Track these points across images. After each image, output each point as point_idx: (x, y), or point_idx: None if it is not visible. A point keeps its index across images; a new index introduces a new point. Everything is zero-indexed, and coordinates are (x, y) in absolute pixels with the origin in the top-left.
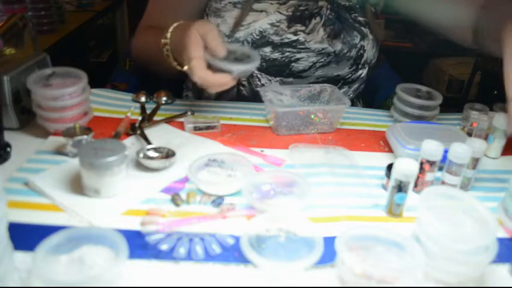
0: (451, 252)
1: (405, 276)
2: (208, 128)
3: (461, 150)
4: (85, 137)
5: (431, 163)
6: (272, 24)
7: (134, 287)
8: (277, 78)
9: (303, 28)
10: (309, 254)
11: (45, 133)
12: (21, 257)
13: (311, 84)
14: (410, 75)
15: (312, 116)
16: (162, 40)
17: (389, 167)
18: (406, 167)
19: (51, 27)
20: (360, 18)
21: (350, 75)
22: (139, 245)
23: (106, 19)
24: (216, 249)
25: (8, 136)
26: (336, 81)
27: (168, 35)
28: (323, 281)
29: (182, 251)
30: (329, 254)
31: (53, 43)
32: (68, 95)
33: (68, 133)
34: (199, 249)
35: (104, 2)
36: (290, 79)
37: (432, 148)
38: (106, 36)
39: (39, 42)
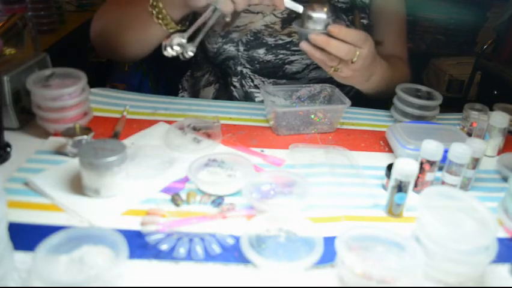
0: (451, 252)
1: (405, 276)
2: (208, 128)
3: (461, 150)
4: (85, 137)
5: (431, 163)
6: (267, 26)
7: (134, 287)
8: (271, 80)
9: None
10: (309, 254)
11: (45, 133)
12: (21, 257)
13: (311, 84)
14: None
15: (312, 116)
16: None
17: (389, 167)
18: (406, 167)
19: (51, 27)
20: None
21: None
22: (139, 245)
23: None
24: (216, 249)
25: (8, 136)
26: (330, 83)
27: None
28: (323, 281)
29: (182, 251)
30: (329, 254)
31: (53, 43)
32: (67, 95)
33: (68, 133)
34: (199, 249)
35: (104, 2)
36: (283, 81)
37: (432, 148)
38: None
39: (39, 42)
